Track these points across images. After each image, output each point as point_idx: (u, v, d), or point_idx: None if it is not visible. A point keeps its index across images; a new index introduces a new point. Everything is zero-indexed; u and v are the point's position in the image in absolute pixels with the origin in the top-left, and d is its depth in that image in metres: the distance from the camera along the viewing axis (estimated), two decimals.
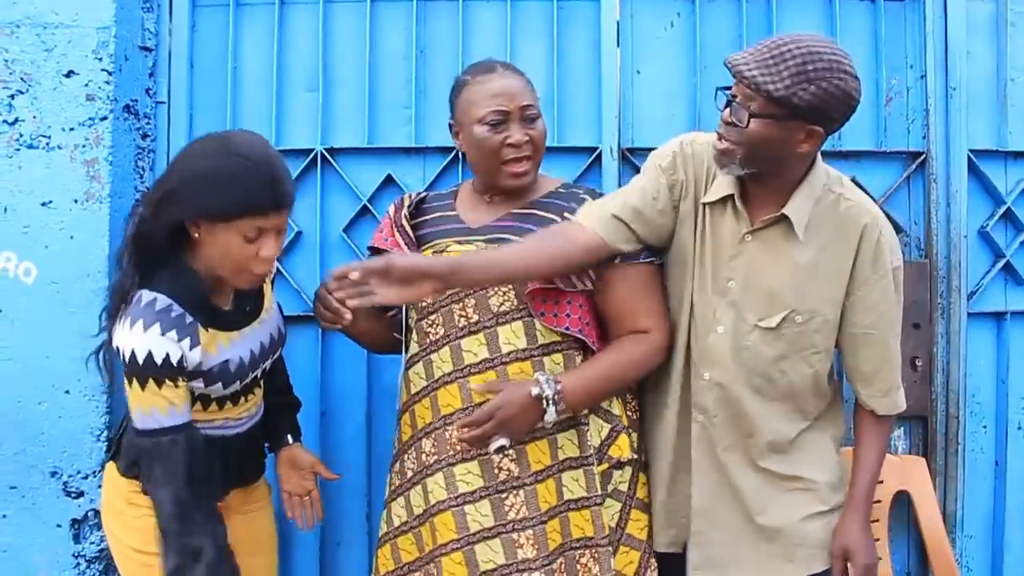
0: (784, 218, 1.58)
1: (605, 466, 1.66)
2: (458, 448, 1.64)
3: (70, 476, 2.01)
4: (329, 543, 2.18)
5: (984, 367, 2.21)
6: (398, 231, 1.76)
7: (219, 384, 1.58)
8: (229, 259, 1.53)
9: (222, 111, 2.17)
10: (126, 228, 1.60)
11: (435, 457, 1.66)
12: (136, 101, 2.12)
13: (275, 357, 1.76)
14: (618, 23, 2.17)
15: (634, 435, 1.72)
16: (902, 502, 2.08)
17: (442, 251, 1.70)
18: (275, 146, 2.14)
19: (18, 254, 2.02)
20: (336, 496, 2.17)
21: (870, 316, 1.61)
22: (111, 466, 1.70)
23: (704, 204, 1.65)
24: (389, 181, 2.16)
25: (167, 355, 1.47)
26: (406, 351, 1.78)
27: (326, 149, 2.16)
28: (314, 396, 2.15)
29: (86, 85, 2.04)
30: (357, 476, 2.17)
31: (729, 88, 1.54)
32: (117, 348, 1.52)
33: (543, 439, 1.64)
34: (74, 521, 2.01)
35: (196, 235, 1.52)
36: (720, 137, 1.55)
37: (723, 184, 1.63)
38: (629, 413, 1.73)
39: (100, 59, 2.04)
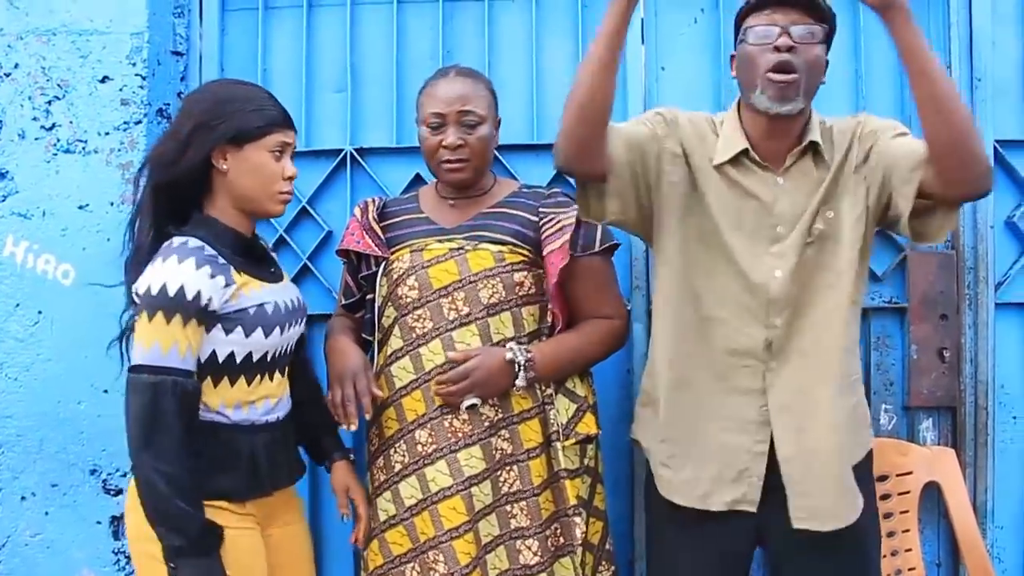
0: (806, 150, 1.60)
1: (572, 441, 1.74)
2: (459, 435, 1.70)
3: (109, 474, 2.06)
4: None
5: (1013, 358, 2.19)
6: (368, 233, 1.81)
7: (259, 330, 1.56)
8: (262, 181, 1.57)
9: None
10: (137, 186, 1.62)
11: (433, 446, 1.71)
12: (169, 105, 2.16)
13: (300, 329, 1.72)
14: (642, 20, 2.18)
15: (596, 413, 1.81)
16: (932, 494, 2.09)
17: (421, 250, 1.77)
18: (306, 147, 2.20)
19: (57, 256, 2.07)
20: None
21: (890, 135, 1.58)
22: None
23: (716, 167, 1.62)
24: (418, 180, 2.18)
25: (199, 292, 1.47)
26: (379, 350, 1.81)
27: (355, 149, 2.19)
28: None
29: (120, 90, 2.08)
30: None
31: (752, 27, 1.54)
32: (138, 292, 1.49)
33: (534, 419, 1.74)
34: (113, 518, 2.05)
35: (224, 166, 1.56)
36: (782, 69, 1.52)
37: (730, 141, 1.61)
38: (591, 393, 1.83)
39: (134, 64, 2.08)
